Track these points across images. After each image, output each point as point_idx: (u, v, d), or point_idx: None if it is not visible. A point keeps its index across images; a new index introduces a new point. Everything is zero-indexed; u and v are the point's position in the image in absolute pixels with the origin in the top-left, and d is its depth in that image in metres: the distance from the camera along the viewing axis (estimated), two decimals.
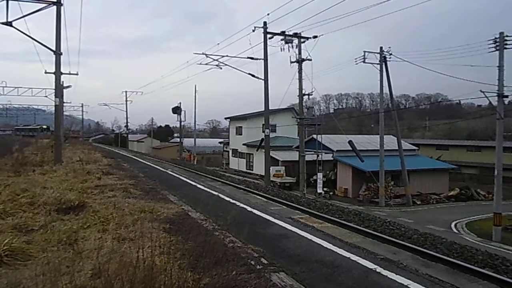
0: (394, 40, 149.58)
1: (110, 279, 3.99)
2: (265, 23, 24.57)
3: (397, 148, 30.85)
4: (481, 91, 20.49)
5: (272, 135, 32.14)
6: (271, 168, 29.73)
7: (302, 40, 25.71)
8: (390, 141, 32.44)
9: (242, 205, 11.63)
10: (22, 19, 17.61)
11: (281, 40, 25.58)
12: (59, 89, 20.84)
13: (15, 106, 66.73)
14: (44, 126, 78.77)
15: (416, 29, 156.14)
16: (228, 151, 55.21)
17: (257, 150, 40.01)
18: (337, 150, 33.72)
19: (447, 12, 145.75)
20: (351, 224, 9.79)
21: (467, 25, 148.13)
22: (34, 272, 4.23)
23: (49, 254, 4.89)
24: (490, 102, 22.15)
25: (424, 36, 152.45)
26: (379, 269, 5.96)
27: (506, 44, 20.75)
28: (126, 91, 63.65)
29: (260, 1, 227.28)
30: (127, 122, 66.31)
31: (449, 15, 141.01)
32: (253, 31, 24.51)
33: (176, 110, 50.99)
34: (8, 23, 16.97)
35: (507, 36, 20.80)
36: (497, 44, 20.85)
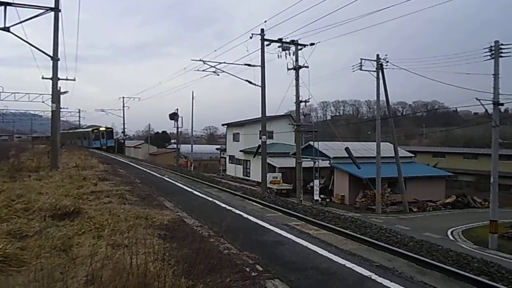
0: (389, 46, 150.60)
1: (103, 286, 3.98)
2: (262, 30, 24.73)
3: (394, 155, 30.96)
4: (477, 99, 20.68)
5: (269, 141, 32.20)
6: (268, 175, 29.72)
7: (299, 47, 25.87)
8: (387, 148, 32.55)
9: (238, 211, 11.60)
10: (20, 24, 17.62)
11: (278, 47, 25.75)
12: (56, 94, 20.80)
13: (12, 111, 66.24)
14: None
15: (409, 35, 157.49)
16: (225, 158, 55.22)
17: (254, 157, 40.04)
18: (334, 157, 33.78)
19: (438, 18, 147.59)
20: (347, 231, 9.78)
21: (458, 30, 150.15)
22: (28, 278, 4.22)
23: (43, 260, 4.86)
24: (486, 110, 22.33)
25: (417, 42, 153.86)
26: (374, 276, 5.95)
27: (501, 53, 20.95)
28: (123, 97, 62.54)
29: (258, 7, 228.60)
30: (124, 128, 65.75)
31: (440, 21, 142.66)
32: (251, 38, 24.65)
33: (173, 116, 51.03)
34: (6, 29, 16.97)
35: (502, 44, 21.01)
36: (492, 52, 21.05)
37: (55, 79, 19.16)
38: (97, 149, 49.91)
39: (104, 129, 56.62)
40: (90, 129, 58.40)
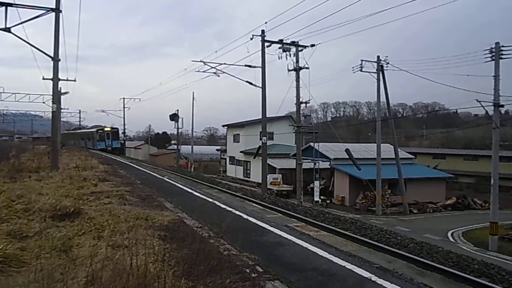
0: (391, 47, 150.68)
1: (103, 287, 3.98)
2: (263, 31, 24.74)
3: (394, 156, 30.95)
4: (477, 100, 20.69)
5: (269, 142, 32.23)
6: (268, 176, 29.72)
7: (299, 48, 25.91)
8: (387, 150, 32.55)
9: (238, 212, 11.59)
10: (21, 25, 17.63)
11: (279, 48, 25.80)
12: (57, 95, 20.83)
13: (12, 112, 66.17)
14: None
15: (411, 36, 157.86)
16: (225, 159, 55.21)
17: (254, 158, 40.04)
18: (334, 158, 33.78)
19: (439, 19, 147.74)
20: (347, 233, 9.78)
21: (459, 31, 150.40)
22: (28, 279, 4.22)
23: (43, 261, 4.85)
24: (486, 112, 22.33)
25: (419, 42, 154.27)
26: (374, 278, 5.94)
27: (502, 54, 20.96)
28: (123, 98, 62.09)
29: (258, 7, 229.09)
30: (124, 129, 65.48)
31: (441, 22, 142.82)
32: (251, 39, 24.69)
33: (174, 117, 50.99)
34: (7, 29, 16.99)
35: (502, 46, 21.01)
36: (493, 54, 21.05)
37: (55, 79, 19.17)
38: (102, 151, 48.11)
39: (109, 129, 53.31)
40: (94, 129, 55.84)
